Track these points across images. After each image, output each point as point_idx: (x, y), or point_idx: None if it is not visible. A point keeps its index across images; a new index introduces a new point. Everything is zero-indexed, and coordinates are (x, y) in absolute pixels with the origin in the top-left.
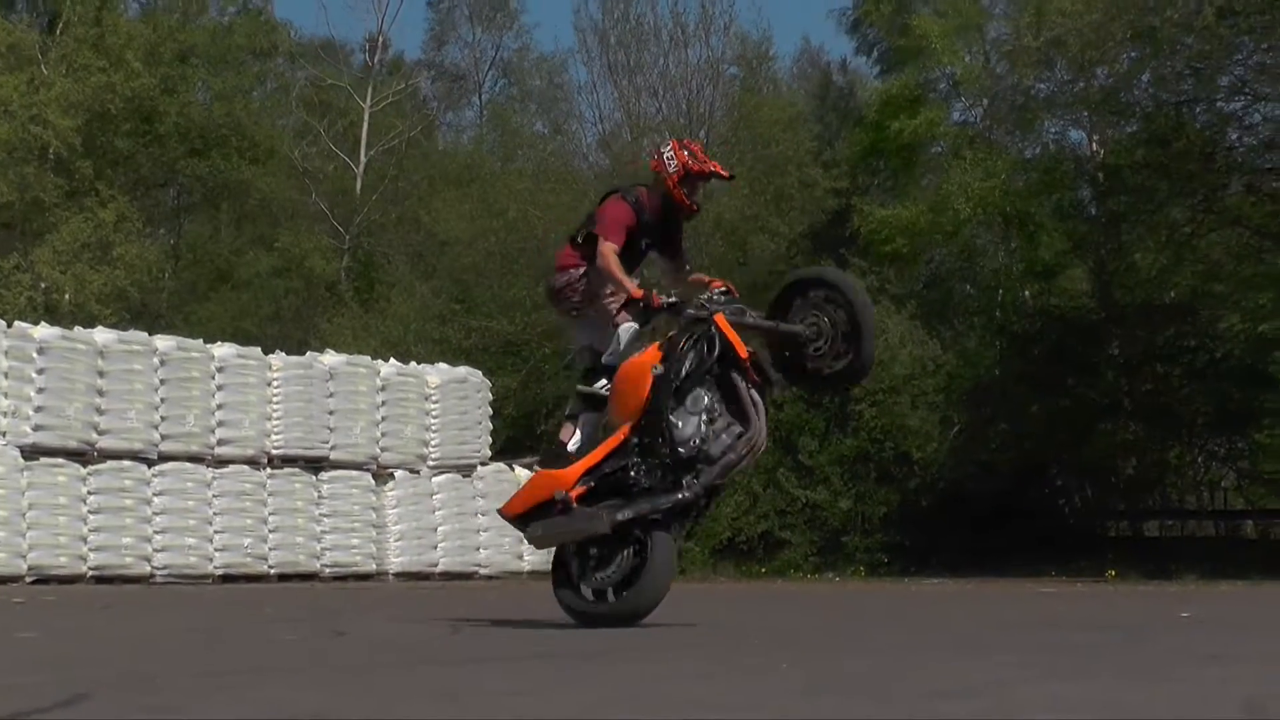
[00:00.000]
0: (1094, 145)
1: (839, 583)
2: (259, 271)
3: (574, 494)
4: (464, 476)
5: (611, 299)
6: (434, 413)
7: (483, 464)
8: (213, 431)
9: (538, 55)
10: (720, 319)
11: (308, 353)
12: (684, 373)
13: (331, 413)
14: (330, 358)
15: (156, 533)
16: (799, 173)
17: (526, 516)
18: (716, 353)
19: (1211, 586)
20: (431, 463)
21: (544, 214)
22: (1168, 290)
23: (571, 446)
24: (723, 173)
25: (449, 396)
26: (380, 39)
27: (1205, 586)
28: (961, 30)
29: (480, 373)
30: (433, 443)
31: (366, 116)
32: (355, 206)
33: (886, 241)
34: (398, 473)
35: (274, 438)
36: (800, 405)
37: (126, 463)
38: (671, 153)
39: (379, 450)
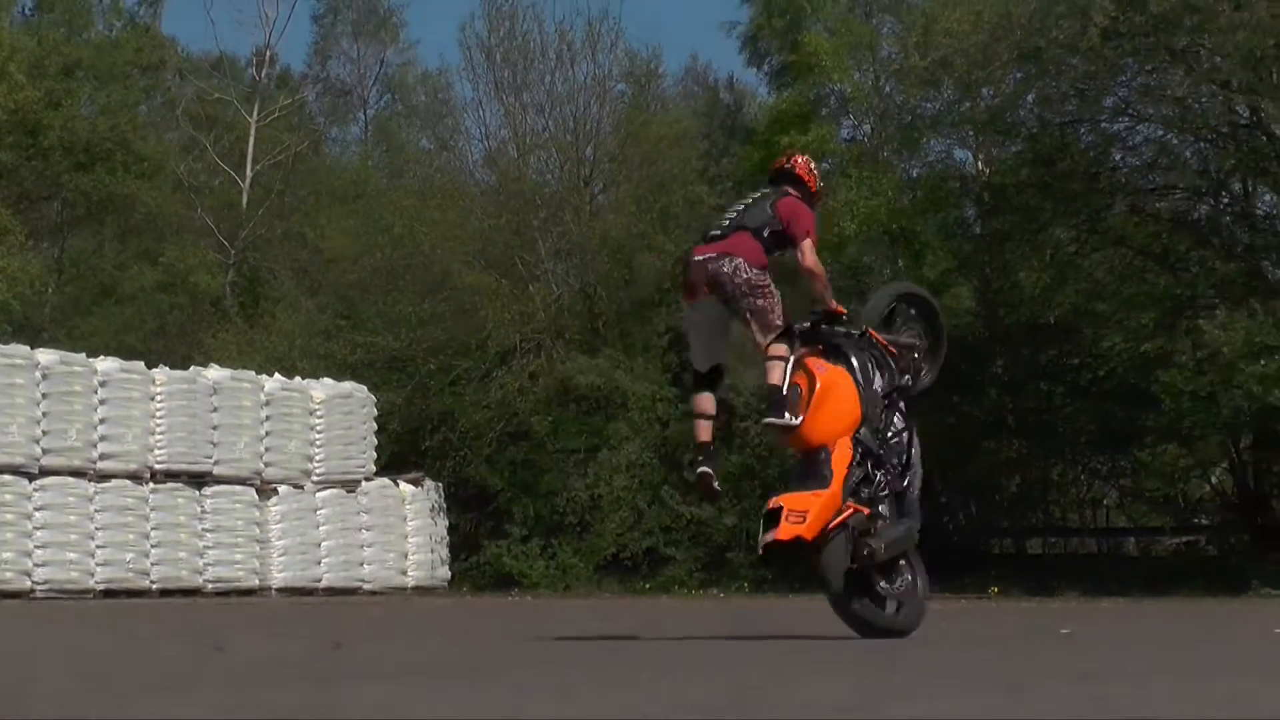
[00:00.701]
0: (979, 164)
1: (723, 599)
2: (143, 286)
3: (853, 507)
4: (348, 492)
5: (770, 302)
6: (319, 428)
7: (367, 479)
8: (95, 446)
9: (422, 71)
10: (873, 334)
11: (192, 367)
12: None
13: (215, 428)
14: (214, 372)
15: (37, 547)
16: (685, 190)
17: (824, 537)
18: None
19: (1093, 603)
20: (316, 478)
21: (430, 230)
22: (1051, 309)
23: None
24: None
25: (334, 412)
26: (268, 53)
27: (1087, 603)
28: (852, 49)
29: (365, 388)
30: (317, 458)
31: (253, 131)
32: (241, 221)
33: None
34: (282, 488)
35: (157, 452)
36: (686, 422)
37: (7, 477)
38: (815, 169)
39: (263, 465)
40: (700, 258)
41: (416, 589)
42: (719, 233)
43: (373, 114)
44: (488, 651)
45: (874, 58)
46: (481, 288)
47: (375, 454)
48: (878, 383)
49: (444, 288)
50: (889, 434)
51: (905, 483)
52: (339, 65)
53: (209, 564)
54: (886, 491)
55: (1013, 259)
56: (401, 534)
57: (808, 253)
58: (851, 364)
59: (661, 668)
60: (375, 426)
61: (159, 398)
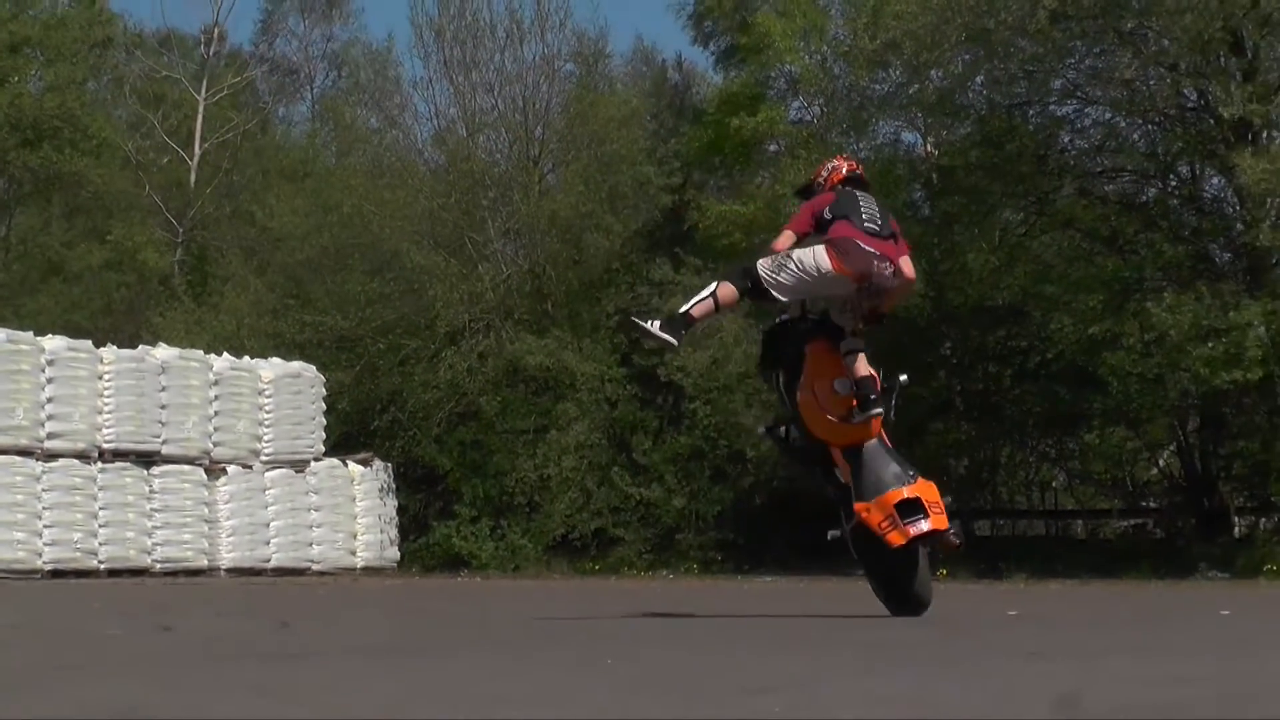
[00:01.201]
0: (927, 147)
1: (672, 580)
2: (91, 264)
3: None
4: (297, 472)
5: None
6: (267, 408)
7: (316, 459)
8: (42, 425)
9: (370, 49)
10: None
11: (140, 346)
12: None
13: (164, 407)
14: (162, 351)
15: None
16: (633, 170)
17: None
18: None
19: (1041, 585)
20: (265, 458)
21: (378, 209)
22: (1000, 291)
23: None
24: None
25: (282, 391)
26: (216, 30)
27: (1034, 585)
28: (801, 30)
29: (314, 368)
30: (266, 438)
31: (201, 109)
32: (189, 200)
33: (723, 236)
34: (230, 468)
35: (105, 431)
36: (635, 403)
37: None
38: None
39: (212, 445)
40: (877, 252)
41: (365, 569)
42: (877, 228)
43: (319, 92)
44: (434, 631)
45: (823, 39)
46: (430, 267)
47: (324, 434)
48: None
49: (393, 267)
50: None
51: None
52: (285, 43)
53: (157, 544)
54: None
55: (961, 241)
56: (350, 514)
57: (907, 269)
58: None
59: (615, 646)
60: (324, 406)
61: (107, 377)
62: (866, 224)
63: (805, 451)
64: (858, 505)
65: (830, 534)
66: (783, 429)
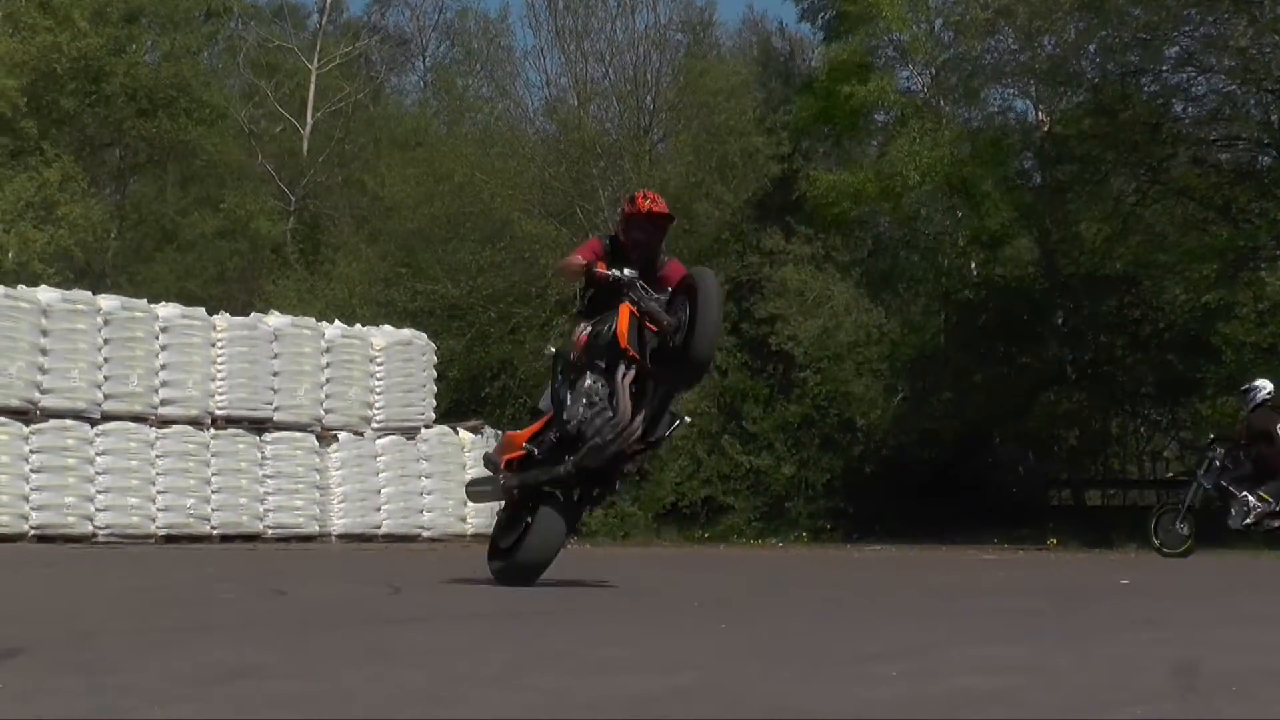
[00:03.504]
0: (1040, 115)
1: (782, 548)
2: (204, 232)
3: (504, 459)
4: (408, 439)
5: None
6: (378, 375)
7: (427, 427)
8: (156, 392)
9: (483, 18)
10: (623, 309)
11: (252, 314)
12: (579, 359)
13: (276, 374)
14: (275, 319)
15: (99, 492)
16: (741, 141)
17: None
18: (605, 342)
19: (1152, 556)
20: (376, 425)
21: (490, 178)
22: (1112, 261)
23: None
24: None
25: (394, 359)
26: (330, 1)
27: (1145, 555)
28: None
29: (425, 335)
30: (377, 405)
31: (314, 78)
32: (301, 169)
33: (833, 206)
34: (342, 434)
35: (218, 398)
36: (745, 372)
37: (69, 422)
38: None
39: (323, 412)
40: None
41: (475, 536)
42: None
43: (431, 62)
44: (542, 597)
45: (930, 7)
46: (541, 236)
47: (435, 401)
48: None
49: (503, 236)
50: (566, 403)
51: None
52: (399, 13)
53: (269, 510)
54: (532, 456)
55: (1073, 210)
56: (461, 481)
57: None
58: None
59: (731, 614)
60: (435, 374)
61: (220, 344)
62: None
63: None
64: None
65: None
66: None
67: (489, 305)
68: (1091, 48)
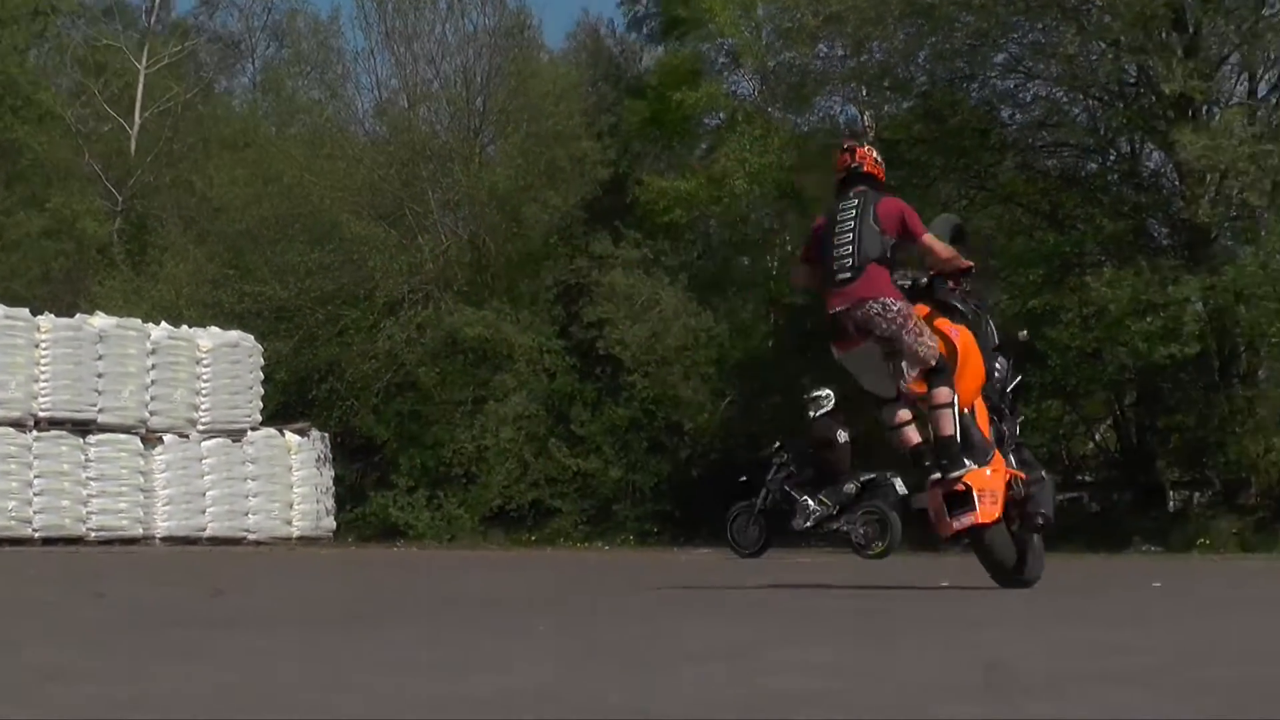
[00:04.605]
0: (867, 121)
1: (608, 551)
2: (29, 232)
3: (1010, 471)
4: (234, 441)
5: (919, 335)
6: (205, 377)
7: (253, 429)
8: None
9: (312, 20)
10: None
11: (77, 315)
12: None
13: (101, 375)
14: (100, 320)
15: None
16: (570, 146)
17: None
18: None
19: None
20: (201, 427)
21: (319, 180)
22: None
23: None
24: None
25: (220, 361)
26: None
27: (970, 557)
28: (743, 3)
29: (252, 337)
30: (203, 407)
31: (142, 78)
32: (129, 169)
33: (665, 212)
34: (167, 436)
35: (41, 400)
36: (573, 375)
37: None
38: (878, 156)
39: (148, 414)
40: (844, 308)
41: (301, 539)
42: (848, 276)
43: (260, 63)
44: (366, 600)
45: (761, 13)
46: (370, 238)
47: (261, 403)
48: (990, 333)
49: (332, 238)
50: (997, 381)
51: (1016, 427)
52: (227, 14)
53: (93, 512)
54: (1010, 442)
55: None
56: (287, 484)
57: (935, 246)
58: (967, 318)
59: (553, 616)
60: (262, 376)
61: (44, 345)
62: (838, 276)
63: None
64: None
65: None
66: None
67: (317, 307)
68: (921, 54)
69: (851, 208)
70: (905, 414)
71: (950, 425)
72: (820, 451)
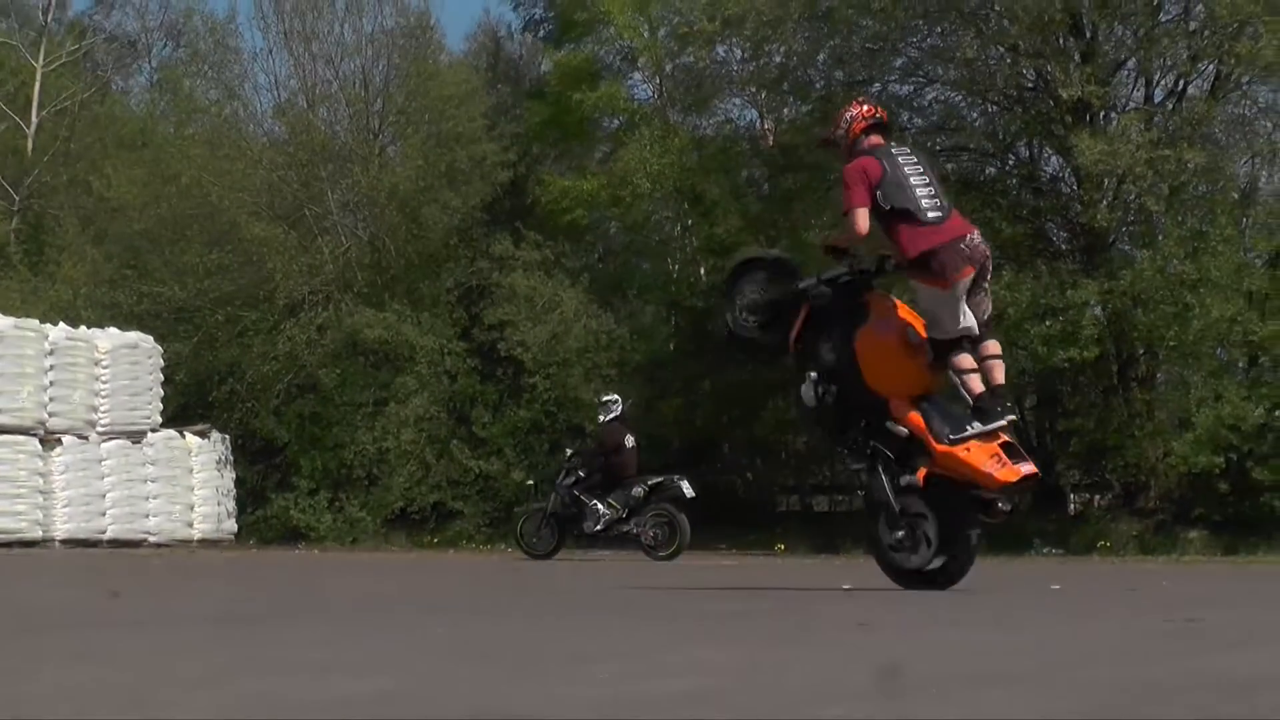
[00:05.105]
0: (765, 124)
1: (510, 554)
2: None
3: None
4: (134, 443)
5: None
6: (104, 378)
7: (153, 430)
8: None
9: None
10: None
11: None
12: None
13: None
14: None
15: None
16: (470, 148)
17: None
18: None
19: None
20: (101, 428)
21: (217, 180)
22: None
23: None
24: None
25: (120, 362)
26: None
27: (871, 560)
28: (640, 5)
29: (151, 339)
30: (102, 408)
31: (39, 77)
32: (26, 168)
33: (566, 213)
34: (66, 438)
35: None
36: (474, 377)
37: None
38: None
39: (47, 415)
40: (944, 242)
41: (203, 541)
42: (940, 215)
43: (157, 62)
44: (266, 602)
45: (649, 18)
46: (269, 239)
47: (161, 405)
48: None
49: (231, 239)
50: None
51: None
52: (122, 13)
53: None
54: None
55: (802, 218)
56: (188, 486)
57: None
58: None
59: (442, 618)
60: (162, 377)
61: None
62: (929, 214)
63: (845, 408)
64: (940, 446)
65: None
66: (817, 388)
67: (217, 308)
68: (820, 58)
69: (908, 151)
70: (970, 359)
71: (1001, 374)
72: (609, 456)
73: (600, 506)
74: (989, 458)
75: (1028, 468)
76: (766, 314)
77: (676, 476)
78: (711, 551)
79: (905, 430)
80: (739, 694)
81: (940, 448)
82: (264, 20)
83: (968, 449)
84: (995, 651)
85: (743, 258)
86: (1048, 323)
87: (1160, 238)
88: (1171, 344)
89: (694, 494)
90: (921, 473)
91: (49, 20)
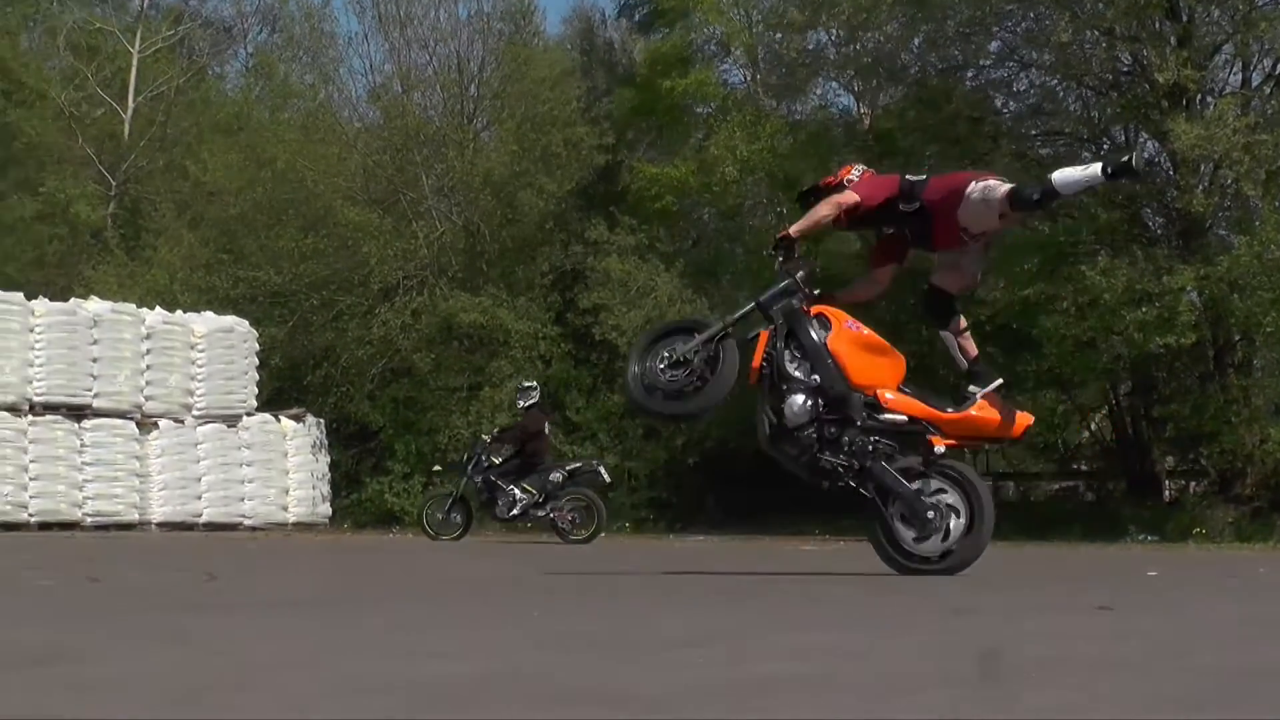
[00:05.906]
0: (859, 109)
1: (603, 539)
2: (23, 216)
3: None
4: (229, 426)
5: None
6: (199, 362)
7: (248, 414)
8: None
9: (305, 4)
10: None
11: (72, 299)
12: None
13: (95, 360)
14: (95, 305)
15: None
16: (565, 131)
17: None
18: None
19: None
20: (197, 412)
21: (312, 165)
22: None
23: None
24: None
25: (215, 346)
26: None
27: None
28: None
29: (246, 323)
30: (198, 392)
31: (135, 62)
32: (122, 153)
33: (656, 199)
34: (162, 422)
35: (36, 385)
36: (569, 362)
37: None
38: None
39: (143, 399)
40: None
41: (297, 525)
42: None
43: (253, 48)
44: (360, 586)
45: (742, 3)
46: (364, 224)
47: (257, 389)
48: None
49: (326, 223)
50: None
51: None
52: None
53: (88, 497)
54: None
55: None
56: (283, 470)
57: None
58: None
59: (536, 603)
60: (257, 361)
61: (38, 329)
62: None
63: (836, 413)
64: (949, 414)
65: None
66: (805, 402)
67: (311, 293)
68: (915, 42)
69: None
70: (965, 320)
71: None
72: (527, 442)
73: (516, 491)
74: (999, 412)
75: (1026, 417)
76: (699, 362)
77: (595, 461)
78: (806, 536)
79: (904, 416)
80: (836, 678)
81: (950, 415)
82: (359, 5)
83: (980, 408)
84: (1099, 636)
85: (651, 334)
86: (1144, 309)
87: (1257, 223)
88: (1269, 329)
89: (610, 479)
90: (943, 441)
91: (145, 6)
